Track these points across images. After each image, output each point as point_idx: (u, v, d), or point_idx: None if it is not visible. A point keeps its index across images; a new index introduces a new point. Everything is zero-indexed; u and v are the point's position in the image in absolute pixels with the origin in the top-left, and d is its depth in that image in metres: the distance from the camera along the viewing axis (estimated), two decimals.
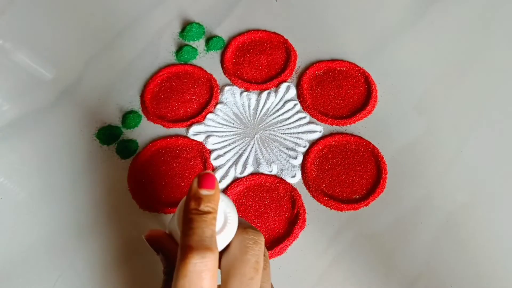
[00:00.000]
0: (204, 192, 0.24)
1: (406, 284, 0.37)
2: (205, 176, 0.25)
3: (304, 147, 0.42)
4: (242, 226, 0.26)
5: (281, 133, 0.42)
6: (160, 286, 0.27)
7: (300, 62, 0.45)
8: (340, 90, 0.44)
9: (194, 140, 0.42)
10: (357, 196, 0.40)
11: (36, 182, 0.40)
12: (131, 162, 0.41)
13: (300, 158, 0.41)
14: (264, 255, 0.26)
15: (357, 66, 0.45)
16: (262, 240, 0.25)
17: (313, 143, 0.42)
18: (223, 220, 0.25)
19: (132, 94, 0.44)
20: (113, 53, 0.46)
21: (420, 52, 0.46)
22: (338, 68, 0.45)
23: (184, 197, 0.26)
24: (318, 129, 0.42)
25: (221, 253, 0.25)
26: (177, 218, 0.25)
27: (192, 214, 0.24)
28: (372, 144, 0.42)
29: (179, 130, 0.43)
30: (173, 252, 0.26)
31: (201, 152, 0.42)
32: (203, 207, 0.24)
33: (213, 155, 0.41)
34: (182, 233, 0.24)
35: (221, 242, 0.25)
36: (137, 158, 0.41)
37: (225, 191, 0.40)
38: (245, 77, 0.45)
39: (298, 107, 0.44)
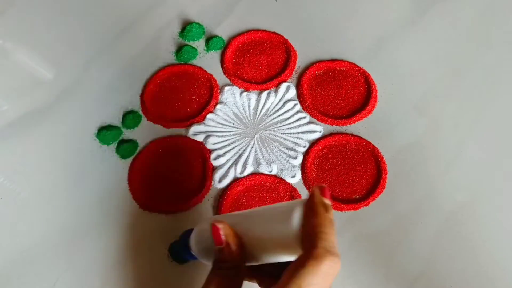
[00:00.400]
0: (327, 201, 0.25)
1: (406, 284, 0.37)
2: (326, 188, 0.26)
3: (304, 147, 0.42)
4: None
5: (281, 133, 0.42)
6: (211, 278, 0.28)
7: (300, 62, 0.45)
8: (340, 90, 0.44)
9: (194, 140, 0.42)
10: (357, 196, 0.40)
11: (36, 182, 0.40)
12: (131, 162, 0.41)
13: (300, 158, 0.41)
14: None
15: (357, 66, 0.45)
16: (339, 268, 0.26)
17: (313, 143, 0.42)
18: None
19: (132, 94, 0.44)
20: (113, 53, 0.46)
21: (420, 52, 0.46)
22: (338, 68, 0.45)
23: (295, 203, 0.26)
24: (318, 129, 0.42)
25: None
26: (294, 222, 0.25)
27: (323, 219, 0.25)
28: (372, 144, 0.42)
29: (179, 130, 0.43)
30: (237, 247, 0.27)
31: (201, 152, 0.42)
32: (330, 214, 0.25)
33: (213, 155, 0.41)
34: (316, 236, 0.24)
35: None
36: (137, 158, 0.41)
37: (225, 191, 0.40)
38: (245, 77, 0.45)
39: (298, 107, 0.44)
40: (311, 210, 0.25)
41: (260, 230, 0.27)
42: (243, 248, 0.28)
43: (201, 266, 0.38)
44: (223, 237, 0.27)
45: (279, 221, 0.26)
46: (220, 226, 0.28)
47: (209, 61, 0.46)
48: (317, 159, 0.41)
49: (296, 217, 0.25)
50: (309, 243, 0.24)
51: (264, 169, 0.41)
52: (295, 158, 0.41)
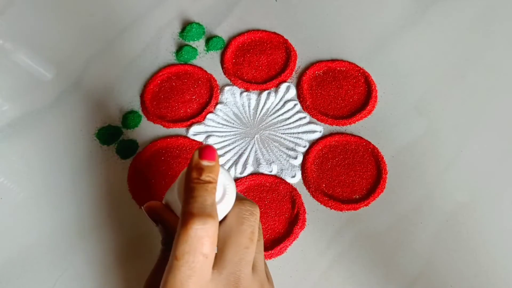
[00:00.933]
0: (205, 163, 0.25)
1: (406, 284, 0.37)
2: (206, 148, 0.26)
3: (304, 147, 0.42)
4: (239, 198, 0.27)
5: (281, 133, 0.42)
6: (157, 256, 0.28)
7: (300, 62, 0.45)
8: (340, 90, 0.44)
9: (194, 140, 0.42)
10: (357, 196, 0.40)
11: (36, 182, 0.40)
12: (131, 162, 0.41)
13: (300, 158, 0.41)
14: (259, 227, 0.27)
15: (357, 66, 0.45)
16: (257, 212, 0.26)
17: (313, 143, 0.42)
18: (222, 191, 0.26)
19: (132, 94, 0.44)
20: (113, 53, 0.46)
21: (420, 52, 0.46)
22: (338, 68, 0.45)
23: (184, 169, 0.26)
24: (318, 129, 0.42)
25: (219, 224, 0.26)
26: (178, 188, 0.26)
27: (194, 183, 0.24)
28: (372, 144, 0.42)
29: (179, 130, 0.43)
30: (171, 223, 0.27)
31: None
32: (204, 177, 0.25)
33: None
34: (184, 201, 0.24)
35: (220, 212, 0.25)
36: (137, 158, 0.41)
37: None
38: (245, 77, 0.45)
39: (298, 107, 0.44)
40: (186, 178, 0.25)
41: (171, 200, 0.27)
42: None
43: None
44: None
45: (174, 190, 0.27)
46: (150, 203, 0.28)
47: (209, 61, 0.46)
48: (317, 159, 0.41)
49: (179, 180, 0.26)
50: (181, 214, 0.24)
51: (264, 169, 0.41)
52: (295, 158, 0.41)
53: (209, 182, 0.25)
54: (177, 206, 0.27)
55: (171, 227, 0.27)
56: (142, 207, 0.28)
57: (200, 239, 0.23)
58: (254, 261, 0.26)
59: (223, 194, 0.26)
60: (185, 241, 0.22)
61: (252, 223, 0.26)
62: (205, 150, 0.25)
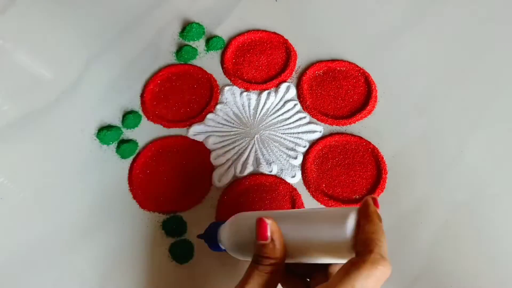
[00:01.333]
0: (378, 211, 0.27)
1: (406, 284, 0.37)
2: (376, 199, 0.27)
3: (304, 147, 0.42)
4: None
5: (281, 133, 0.42)
6: (250, 272, 0.28)
7: (300, 62, 0.45)
8: (340, 90, 0.44)
9: (194, 140, 0.42)
10: (357, 196, 0.40)
11: (36, 182, 0.40)
12: (131, 162, 0.41)
13: (300, 158, 0.41)
14: None
15: (357, 66, 0.45)
16: (388, 275, 0.26)
17: (313, 143, 0.42)
18: None
19: (132, 94, 0.44)
20: (113, 53, 0.46)
21: (420, 52, 0.46)
22: (338, 68, 0.45)
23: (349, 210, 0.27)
24: (318, 129, 0.42)
25: None
26: (351, 225, 0.26)
27: (380, 228, 0.26)
28: (372, 144, 0.42)
29: (179, 130, 0.43)
30: (280, 245, 0.28)
31: (201, 152, 0.42)
32: (382, 225, 0.26)
33: (213, 155, 0.41)
34: (374, 243, 0.25)
35: None
36: (137, 158, 0.41)
37: (225, 191, 0.40)
38: (245, 77, 0.45)
39: (298, 107, 0.44)
40: (366, 218, 0.26)
41: (310, 232, 0.28)
42: (286, 247, 0.28)
43: (201, 266, 0.38)
44: (268, 233, 0.28)
45: (331, 225, 0.27)
46: (268, 221, 0.28)
47: (209, 61, 0.46)
48: (317, 159, 0.41)
49: (351, 223, 0.26)
50: (365, 248, 0.25)
51: (264, 169, 0.41)
52: (295, 158, 0.41)
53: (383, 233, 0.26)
54: (296, 237, 0.28)
55: (276, 250, 0.28)
56: (259, 220, 0.29)
57: (379, 281, 0.24)
58: None
59: None
60: (369, 276, 0.24)
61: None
62: (377, 201, 0.27)
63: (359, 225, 0.26)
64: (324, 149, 0.42)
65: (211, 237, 0.33)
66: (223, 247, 0.33)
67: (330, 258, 0.27)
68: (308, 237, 0.28)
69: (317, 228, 0.27)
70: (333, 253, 0.27)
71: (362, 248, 0.25)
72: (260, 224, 0.28)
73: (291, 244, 0.28)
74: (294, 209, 0.32)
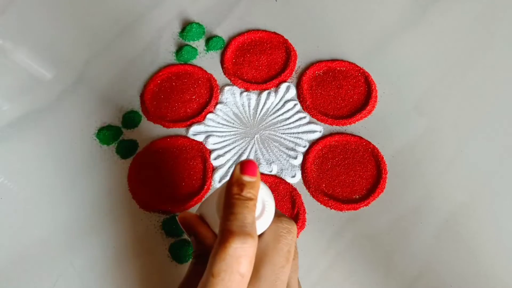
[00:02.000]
0: (246, 178, 0.25)
1: (406, 284, 0.37)
2: (247, 163, 0.25)
3: (304, 147, 0.42)
4: (276, 214, 0.26)
5: (281, 133, 0.42)
6: (188, 269, 0.28)
7: (300, 62, 0.45)
8: (340, 90, 0.44)
9: (194, 140, 0.42)
10: (357, 196, 0.40)
11: (36, 182, 0.40)
12: (131, 162, 0.41)
13: (300, 158, 0.41)
14: (295, 245, 0.26)
15: (357, 66, 0.45)
16: (295, 230, 0.26)
17: (313, 143, 0.42)
18: (261, 208, 0.26)
19: (132, 94, 0.44)
20: (113, 53, 0.46)
21: (420, 52, 0.46)
22: (338, 68, 0.45)
23: (223, 182, 0.26)
24: (318, 129, 0.42)
25: None
26: (217, 203, 0.25)
27: (235, 199, 0.24)
28: (372, 144, 0.42)
29: (179, 130, 0.43)
30: (205, 236, 0.27)
31: (201, 152, 0.42)
32: (246, 193, 0.24)
33: (213, 155, 0.41)
34: (223, 218, 0.24)
35: (258, 229, 0.25)
36: (137, 158, 0.41)
37: None
38: (245, 77, 0.45)
39: (298, 107, 0.44)
40: (226, 193, 0.25)
41: (207, 213, 0.27)
42: (210, 234, 0.27)
43: None
44: (187, 227, 0.27)
45: (211, 203, 0.26)
46: (184, 214, 0.28)
47: (209, 61, 0.46)
48: (317, 159, 0.41)
49: (216, 198, 0.26)
50: (219, 231, 0.23)
51: (264, 169, 0.41)
52: (295, 158, 0.41)
53: (250, 199, 0.24)
54: (214, 220, 0.26)
55: (204, 241, 0.27)
56: (176, 217, 0.28)
57: (238, 258, 0.22)
58: (288, 280, 0.26)
59: (262, 210, 0.25)
60: (222, 259, 0.22)
61: (289, 241, 0.25)
62: (247, 165, 0.25)
63: None
64: (324, 149, 0.42)
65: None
66: None
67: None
68: (209, 221, 0.27)
69: (208, 208, 0.27)
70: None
71: (220, 229, 0.23)
72: (250, 162, 0.25)
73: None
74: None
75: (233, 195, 0.24)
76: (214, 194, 0.27)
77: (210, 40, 0.46)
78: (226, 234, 0.22)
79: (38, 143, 0.42)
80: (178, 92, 0.44)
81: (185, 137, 0.42)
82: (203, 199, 0.29)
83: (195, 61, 0.45)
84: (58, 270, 0.38)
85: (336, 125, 0.43)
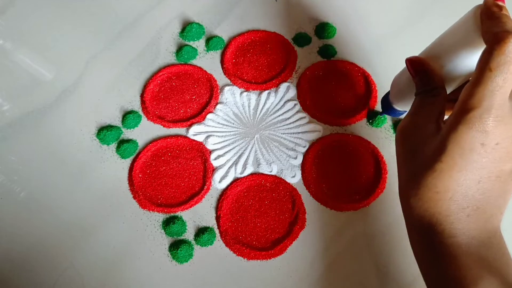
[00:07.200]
0: (500, 3, 0.26)
1: (406, 284, 0.37)
2: None
3: (304, 147, 0.42)
4: None
5: (281, 133, 0.42)
6: (415, 104, 0.30)
7: (300, 62, 0.45)
8: (340, 90, 0.44)
9: (194, 140, 0.42)
10: (357, 196, 0.40)
11: (36, 182, 0.40)
12: (131, 162, 0.41)
13: (300, 158, 0.41)
14: None
15: (357, 66, 0.45)
16: None
17: (313, 143, 0.42)
18: None
19: (132, 94, 0.44)
20: (113, 53, 0.46)
21: (420, 52, 0.46)
22: (338, 68, 0.45)
23: (472, 9, 0.27)
24: (318, 129, 0.42)
25: None
26: (474, 19, 0.27)
27: (498, 13, 0.25)
28: (372, 144, 0.42)
29: (179, 130, 0.43)
30: (434, 72, 0.30)
31: (201, 152, 0.42)
32: (504, 11, 0.26)
33: (213, 155, 0.41)
34: (491, 25, 0.25)
35: None
36: (137, 158, 0.41)
37: (225, 191, 0.40)
38: (245, 77, 0.45)
39: (298, 107, 0.44)
40: (485, 12, 0.26)
41: (444, 45, 0.30)
42: (439, 71, 0.29)
43: (201, 266, 0.38)
44: (416, 66, 0.30)
45: (458, 28, 0.29)
46: (412, 57, 0.31)
47: (209, 61, 0.46)
48: (317, 159, 0.41)
49: (473, 18, 0.27)
50: (489, 35, 0.24)
51: (264, 169, 0.41)
52: (295, 158, 0.41)
53: (509, 17, 0.25)
54: (442, 62, 0.29)
55: (434, 77, 0.29)
56: (406, 59, 0.31)
57: None
58: None
59: None
60: (502, 53, 0.23)
61: None
62: None
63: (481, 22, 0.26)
64: (324, 149, 0.42)
65: (386, 104, 0.38)
66: (397, 108, 0.37)
67: (466, 54, 0.28)
68: (447, 49, 0.29)
69: (450, 36, 0.29)
70: (470, 49, 0.27)
71: (488, 37, 0.24)
72: (406, 63, 0.31)
73: (442, 68, 0.29)
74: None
75: (494, 12, 0.25)
76: (443, 33, 0.31)
77: (210, 40, 0.46)
78: (502, 34, 0.24)
79: (38, 143, 0.42)
80: (178, 92, 0.44)
81: (185, 137, 0.42)
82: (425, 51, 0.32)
83: (195, 61, 0.45)
84: (58, 270, 0.38)
85: (336, 125, 0.43)
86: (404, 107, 0.36)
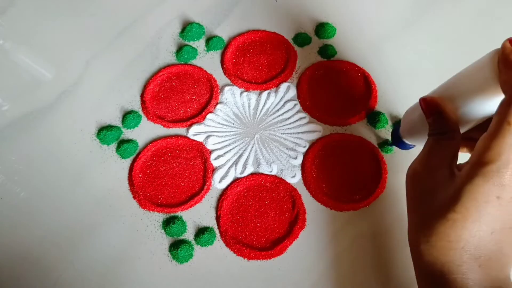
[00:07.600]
0: None
1: (406, 284, 0.37)
2: None
3: (304, 147, 0.42)
4: None
5: (281, 133, 0.42)
6: (427, 145, 0.30)
7: (300, 62, 0.45)
8: (340, 90, 0.44)
9: (194, 140, 0.42)
10: (357, 196, 0.40)
11: (36, 182, 0.40)
12: (131, 162, 0.41)
13: (300, 158, 0.41)
14: None
15: (357, 66, 0.45)
16: None
17: (313, 143, 0.42)
18: None
19: (132, 94, 0.44)
20: (113, 53, 0.46)
21: (420, 52, 0.46)
22: (338, 68, 0.45)
23: (489, 54, 0.27)
24: (318, 129, 0.42)
25: None
26: (491, 66, 0.26)
27: None
28: (372, 144, 0.42)
29: (179, 130, 0.43)
30: (450, 114, 0.29)
31: (201, 152, 0.42)
32: None
33: (213, 155, 0.41)
34: (507, 75, 0.24)
35: None
36: (137, 158, 0.41)
37: (225, 191, 0.40)
38: (245, 77, 0.45)
39: (298, 107, 0.44)
40: (503, 60, 0.26)
41: (460, 88, 0.29)
42: (454, 114, 0.29)
43: (201, 266, 0.38)
44: (431, 107, 0.29)
45: (475, 72, 0.28)
46: (426, 97, 0.30)
47: (209, 61, 0.46)
48: (317, 159, 0.41)
49: (490, 64, 0.27)
50: (508, 87, 0.24)
51: (264, 169, 0.41)
52: (295, 158, 0.41)
53: None
54: (457, 103, 0.28)
55: (449, 119, 0.29)
56: (419, 99, 0.31)
57: None
58: None
59: None
60: None
61: None
62: None
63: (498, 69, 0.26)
64: (324, 149, 0.42)
65: (396, 138, 0.38)
66: (407, 142, 0.37)
67: (486, 103, 0.27)
68: (460, 94, 0.28)
69: (465, 81, 0.29)
70: (484, 95, 0.27)
71: (506, 86, 0.24)
72: (420, 103, 0.30)
73: (456, 108, 0.29)
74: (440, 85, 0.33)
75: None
76: (457, 75, 0.29)
77: (210, 40, 0.46)
78: None
79: (38, 143, 0.42)
80: (178, 92, 0.44)
81: (185, 137, 0.42)
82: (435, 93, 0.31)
83: (195, 61, 0.45)
84: (58, 270, 0.38)
85: (336, 125, 0.43)
86: (414, 143, 0.36)
